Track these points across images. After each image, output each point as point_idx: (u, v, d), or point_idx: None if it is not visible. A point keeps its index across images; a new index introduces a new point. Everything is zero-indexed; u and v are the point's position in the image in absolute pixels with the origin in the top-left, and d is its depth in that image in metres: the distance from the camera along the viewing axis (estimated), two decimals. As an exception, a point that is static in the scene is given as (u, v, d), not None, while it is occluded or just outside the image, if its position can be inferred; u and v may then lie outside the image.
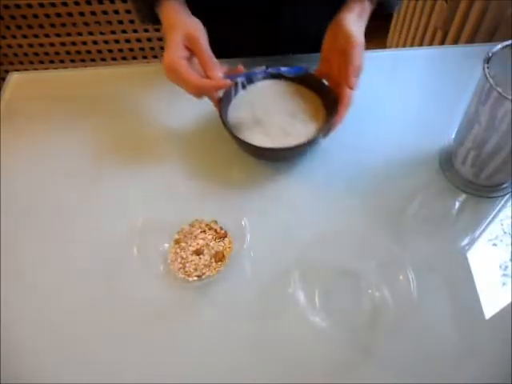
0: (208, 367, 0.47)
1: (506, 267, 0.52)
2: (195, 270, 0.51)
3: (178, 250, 0.52)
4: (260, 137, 0.58)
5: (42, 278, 0.53)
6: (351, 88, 0.55)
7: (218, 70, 0.55)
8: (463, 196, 0.57)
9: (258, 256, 0.53)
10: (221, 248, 0.52)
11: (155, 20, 0.60)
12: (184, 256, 0.52)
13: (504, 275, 0.51)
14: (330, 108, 0.59)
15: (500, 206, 0.57)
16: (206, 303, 0.51)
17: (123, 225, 0.56)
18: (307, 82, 0.62)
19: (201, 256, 0.52)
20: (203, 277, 0.50)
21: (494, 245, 0.53)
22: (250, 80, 0.62)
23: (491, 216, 0.56)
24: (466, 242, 0.54)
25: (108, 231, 0.56)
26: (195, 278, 0.50)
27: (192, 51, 0.55)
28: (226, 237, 0.53)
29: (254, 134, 0.58)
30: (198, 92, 0.55)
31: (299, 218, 0.56)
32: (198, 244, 0.53)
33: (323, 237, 0.54)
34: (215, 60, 0.55)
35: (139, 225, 0.52)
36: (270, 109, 0.61)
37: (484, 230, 0.55)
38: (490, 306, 0.49)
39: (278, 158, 0.62)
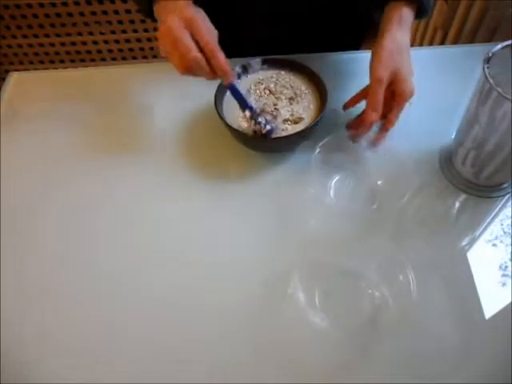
0: (208, 367, 0.47)
1: (506, 267, 0.52)
2: None
3: None
4: (255, 127, 0.58)
5: (42, 278, 0.53)
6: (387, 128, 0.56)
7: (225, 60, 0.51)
8: (463, 196, 0.57)
9: (258, 256, 0.53)
10: None
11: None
12: None
13: (504, 275, 0.51)
14: (323, 100, 0.59)
15: (500, 206, 0.57)
16: (207, 303, 0.51)
17: (124, 223, 0.56)
18: (304, 73, 0.63)
19: None
20: None
21: (494, 245, 0.53)
22: (245, 70, 0.64)
23: (491, 216, 0.56)
24: (465, 242, 0.54)
25: (108, 230, 0.56)
26: None
27: (192, 35, 0.50)
28: None
29: (249, 125, 0.59)
30: (189, 67, 0.50)
31: (298, 218, 0.56)
32: None
33: (323, 237, 0.54)
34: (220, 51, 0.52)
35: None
36: (265, 99, 0.61)
37: (484, 230, 0.55)
38: (490, 306, 0.49)
39: (273, 149, 0.62)
